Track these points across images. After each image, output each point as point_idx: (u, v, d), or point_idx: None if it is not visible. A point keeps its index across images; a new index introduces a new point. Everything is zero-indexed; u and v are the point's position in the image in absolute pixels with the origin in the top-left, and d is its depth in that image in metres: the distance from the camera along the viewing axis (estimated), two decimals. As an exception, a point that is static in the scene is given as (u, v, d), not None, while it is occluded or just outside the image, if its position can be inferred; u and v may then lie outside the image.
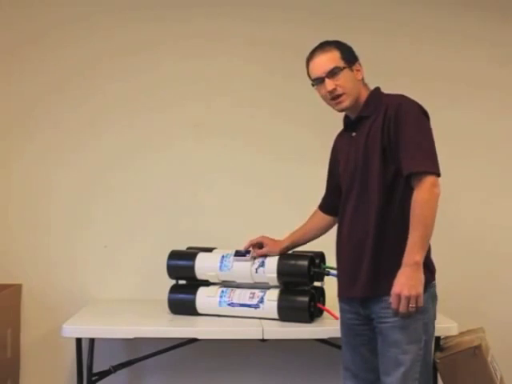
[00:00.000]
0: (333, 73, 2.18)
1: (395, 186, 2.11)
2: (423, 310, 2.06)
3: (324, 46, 2.23)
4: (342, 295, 2.25)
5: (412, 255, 2.01)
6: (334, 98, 2.21)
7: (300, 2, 3.28)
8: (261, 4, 3.26)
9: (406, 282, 2.00)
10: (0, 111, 3.22)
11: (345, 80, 2.19)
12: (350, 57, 2.22)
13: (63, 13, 3.23)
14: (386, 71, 3.01)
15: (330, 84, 2.19)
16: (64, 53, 3.23)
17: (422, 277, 2.01)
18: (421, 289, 2.00)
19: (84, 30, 3.24)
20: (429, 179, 2.04)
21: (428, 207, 2.03)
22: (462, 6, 3.30)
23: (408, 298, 1.99)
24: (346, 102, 2.21)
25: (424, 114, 2.15)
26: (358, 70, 2.23)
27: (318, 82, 2.22)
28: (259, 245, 2.65)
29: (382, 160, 2.12)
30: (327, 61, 2.19)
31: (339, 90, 2.19)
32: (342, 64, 2.19)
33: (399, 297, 2.00)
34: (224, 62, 3.25)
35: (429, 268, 2.11)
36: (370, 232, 2.12)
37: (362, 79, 2.26)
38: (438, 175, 2.07)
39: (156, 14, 3.25)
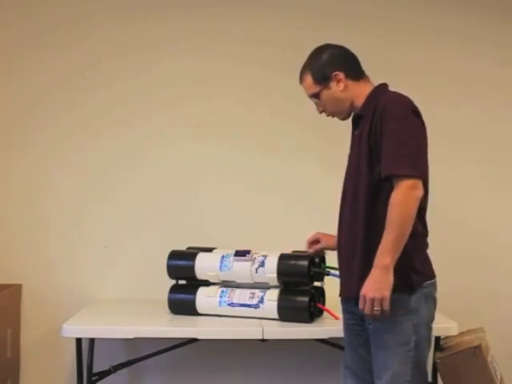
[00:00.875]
0: (314, 97, 2.25)
1: (381, 186, 2.07)
2: (413, 310, 2.06)
3: (300, 74, 2.27)
4: (341, 295, 2.25)
5: (382, 258, 1.98)
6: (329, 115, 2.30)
7: (300, 2, 3.28)
8: (260, 4, 3.25)
9: (372, 285, 1.98)
10: (0, 111, 3.22)
11: (326, 101, 2.23)
12: (322, 76, 2.20)
13: (63, 13, 3.23)
14: (385, 71, 2.98)
15: (318, 107, 2.28)
16: (64, 53, 3.23)
17: (390, 280, 1.98)
18: (387, 292, 1.97)
19: (84, 29, 3.24)
20: (406, 182, 1.99)
21: (402, 210, 1.99)
22: (461, 6, 3.29)
23: (372, 301, 1.98)
24: (340, 117, 2.28)
25: (414, 114, 2.09)
26: (338, 81, 2.20)
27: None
28: (315, 240, 2.56)
29: (369, 160, 2.10)
30: (306, 89, 2.27)
31: (326, 111, 2.27)
32: (316, 89, 2.22)
33: (365, 299, 2.00)
34: (224, 62, 3.25)
35: (416, 270, 2.08)
36: (360, 232, 2.11)
37: (357, 79, 2.22)
38: (418, 177, 2.02)
39: (156, 14, 3.25)
